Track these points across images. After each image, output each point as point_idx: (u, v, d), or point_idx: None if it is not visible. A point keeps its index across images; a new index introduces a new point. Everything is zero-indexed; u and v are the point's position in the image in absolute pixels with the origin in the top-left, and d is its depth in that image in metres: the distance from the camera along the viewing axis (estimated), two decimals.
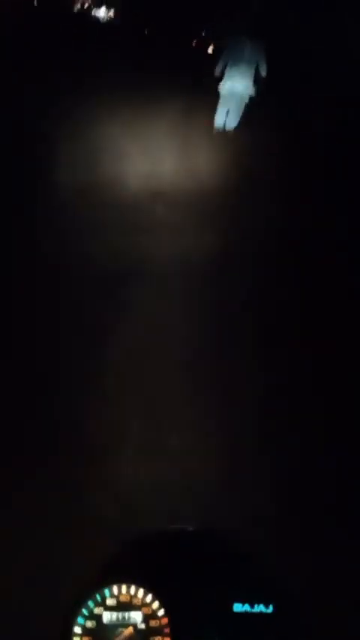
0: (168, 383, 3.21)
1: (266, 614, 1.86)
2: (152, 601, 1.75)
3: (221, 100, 4.83)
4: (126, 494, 2.61)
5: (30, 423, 2.92)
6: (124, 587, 1.75)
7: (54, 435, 2.90)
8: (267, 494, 2.85)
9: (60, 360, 3.25)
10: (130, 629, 1.73)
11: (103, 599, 1.75)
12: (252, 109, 4.54)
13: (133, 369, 3.26)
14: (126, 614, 1.73)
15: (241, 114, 4.79)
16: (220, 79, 4.83)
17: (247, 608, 1.85)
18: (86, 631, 1.72)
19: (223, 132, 4.79)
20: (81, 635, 1.73)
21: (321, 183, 4.06)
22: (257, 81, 4.77)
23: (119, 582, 1.76)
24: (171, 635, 1.73)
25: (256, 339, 3.47)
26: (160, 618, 1.74)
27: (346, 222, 4.10)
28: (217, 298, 3.69)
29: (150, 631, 1.74)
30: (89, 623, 1.73)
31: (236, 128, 4.69)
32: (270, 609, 1.86)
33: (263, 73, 4.69)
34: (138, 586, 1.75)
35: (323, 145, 4.31)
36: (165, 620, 1.73)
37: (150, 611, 1.74)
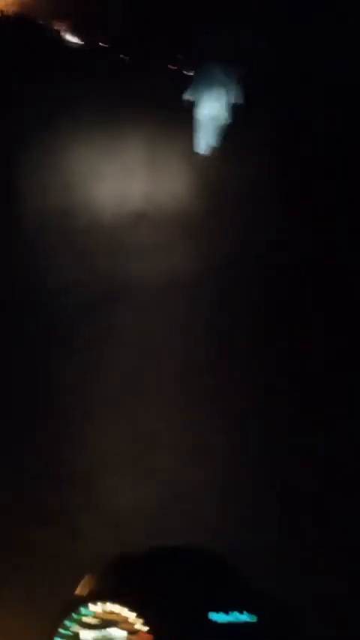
0: (158, 401, 3.22)
1: (242, 622, 1.87)
2: (133, 617, 1.76)
3: (198, 125, 4.84)
4: (116, 514, 2.62)
5: (17, 446, 2.94)
6: (104, 605, 1.77)
7: (43, 457, 2.92)
8: (263, 510, 2.85)
9: (46, 386, 3.26)
10: None
11: (83, 617, 1.76)
12: (232, 127, 4.54)
13: (123, 389, 3.27)
14: (107, 632, 1.74)
15: (219, 137, 4.81)
16: (195, 103, 4.85)
17: (227, 618, 1.86)
18: None
19: (204, 155, 4.79)
20: None
21: (310, 200, 4.02)
22: (232, 103, 4.82)
23: (99, 600, 1.78)
24: None
25: (249, 351, 3.46)
26: (140, 633, 1.74)
27: (345, 225, 4.04)
28: (206, 313, 3.67)
29: None
30: None
31: (216, 149, 4.70)
32: (245, 617, 1.87)
33: (238, 95, 4.77)
34: (118, 603, 1.77)
35: (314, 156, 4.27)
36: (145, 635, 1.73)
37: (131, 627, 1.75)
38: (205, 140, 4.90)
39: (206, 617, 1.84)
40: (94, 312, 3.53)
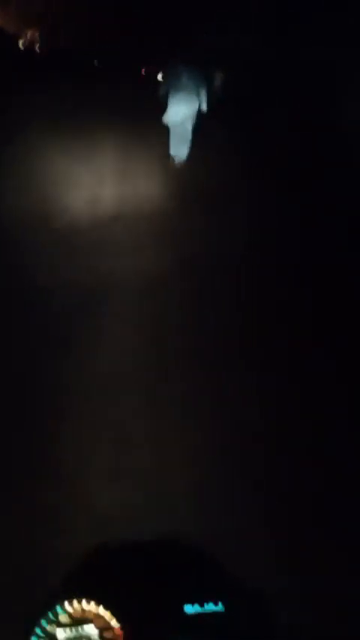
0: (141, 403, 3.24)
1: (217, 613, 1.87)
2: (105, 613, 1.78)
3: (170, 130, 4.90)
4: (98, 516, 2.64)
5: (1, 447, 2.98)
6: (75, 603, 1.79)
7: (26, 459, 2.95)
8: (260, 510, 2.84)
9: (29, 386, 3.31)
10: None
11: (56, 616, 1.78)
12: (205, 130, 4.61)
13: (105, 391, 3.30)
14: (80, 629, 1.76)
15: (190, 140, 4.86)
16: (164, 107, 4.91)
17: (197, 608, 1.87)
18: None
19: (179, 161, 4.85)
20: None
21: (277, 194, 4.04)
22: (203, 106, 4.89)
23: (71, 598, 1.80)
24: None
25: (242, 351, 3.47)
26: (113, 629, 1.76)
27: (344, 225, 4.05)
28: (193, 313, 3.71)
29: None
30: None
31: (191, 152, 4.77)
32: (220, 607, 1.87)
33: (207, 98, 4.85)
34: (89, 600, 1.79)
35: (282, 156, 4.30)
36: (119, 631, 1.75)
37: (104, 624, 1.77)
38: (177, 143, 4.95)
39: (180, 610, 1.85)
40: (79, 313, 3.59)
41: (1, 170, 4.13)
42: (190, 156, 4.50)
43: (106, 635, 1.77)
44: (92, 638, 1.77)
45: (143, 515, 2.59)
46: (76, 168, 4.26)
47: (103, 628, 1.78)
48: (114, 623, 1.77)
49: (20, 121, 4.29)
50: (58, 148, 4.29)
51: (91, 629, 1.77)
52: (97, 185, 4.20)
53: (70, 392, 3.30)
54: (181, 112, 4.84)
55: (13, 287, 3.67)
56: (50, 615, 1.79)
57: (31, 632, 1.78)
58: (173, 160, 4.77)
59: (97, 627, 1.78)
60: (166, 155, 4.55)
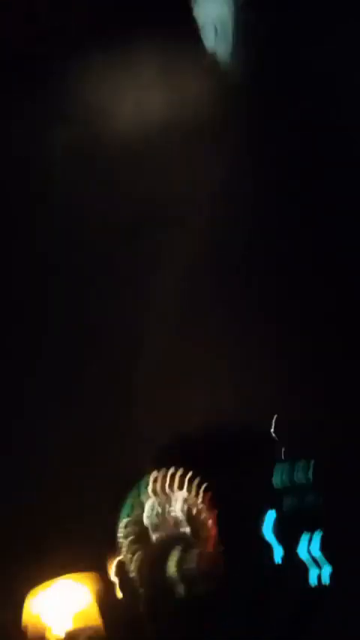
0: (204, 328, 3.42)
1: None
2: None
3: (203, 28, 4.74)
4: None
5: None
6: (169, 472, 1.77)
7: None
8: None
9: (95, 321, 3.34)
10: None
11: (145, 486, 1.76)
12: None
13: (171, 317, 3.35)
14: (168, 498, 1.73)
15: (228, 37, 4.70)
16: (197, 5, 4.74)
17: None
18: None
19: (215, 59, 4.68)
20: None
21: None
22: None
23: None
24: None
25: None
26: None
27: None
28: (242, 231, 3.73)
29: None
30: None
31: (229, 52, 4.64)
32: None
33: None
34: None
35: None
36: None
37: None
38: (217, 43, 4.80)
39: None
40: (135, 239, 3.60)
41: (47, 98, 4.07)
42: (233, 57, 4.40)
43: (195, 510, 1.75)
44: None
45: None
46: (121, 85, 4.20)
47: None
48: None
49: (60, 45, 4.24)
50: (100, 66, 4.23)
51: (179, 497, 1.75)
52: (143, 102, 4.15)
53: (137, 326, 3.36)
54: (217, 9, 4.68)
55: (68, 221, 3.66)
56: (140, 486, 1.78)
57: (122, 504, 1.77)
58: (214, 58, 4.61)
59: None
60: (208, 59, 4.46)
